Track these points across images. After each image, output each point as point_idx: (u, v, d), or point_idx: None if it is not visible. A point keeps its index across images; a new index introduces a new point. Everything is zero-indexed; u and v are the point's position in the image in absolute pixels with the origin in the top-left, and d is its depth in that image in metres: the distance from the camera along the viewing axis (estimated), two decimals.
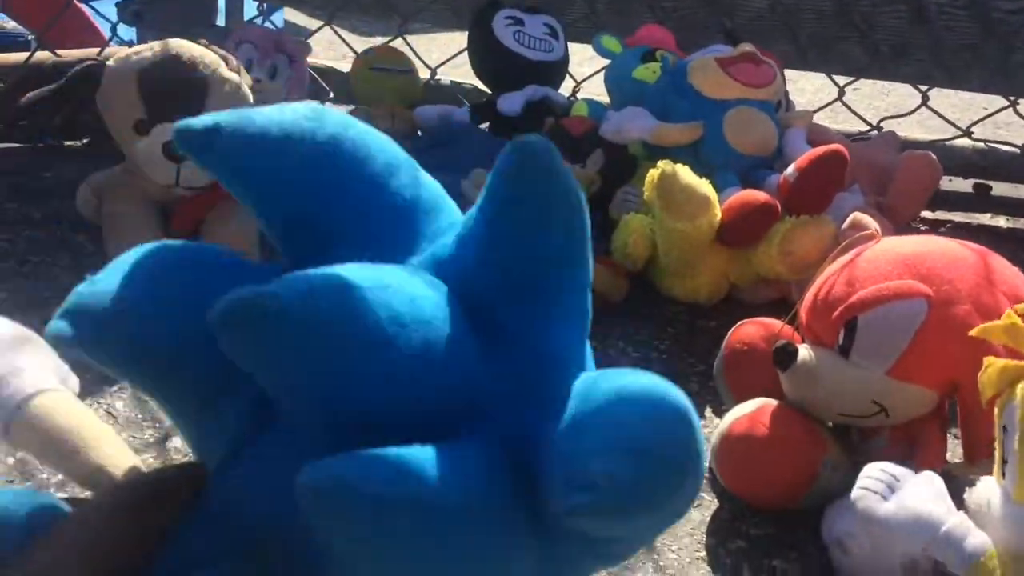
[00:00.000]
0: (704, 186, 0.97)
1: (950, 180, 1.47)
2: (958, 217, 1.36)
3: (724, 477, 0.75)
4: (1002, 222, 1.36)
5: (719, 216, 0.98)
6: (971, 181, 1.46)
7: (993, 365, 0.50)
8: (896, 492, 0.53)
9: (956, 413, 0.72)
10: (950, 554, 0.50)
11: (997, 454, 0.52)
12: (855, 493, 0.54)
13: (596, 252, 1.06)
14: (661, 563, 0.70)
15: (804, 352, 0.73)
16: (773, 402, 0.75)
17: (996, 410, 0.52)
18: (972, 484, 0.56)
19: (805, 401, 0.74)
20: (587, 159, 1.10)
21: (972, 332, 0.53)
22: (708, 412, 0.88)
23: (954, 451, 0.76)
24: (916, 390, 0.70)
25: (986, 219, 1.37)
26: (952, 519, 0.51)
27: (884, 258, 0.72)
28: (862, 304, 0.70)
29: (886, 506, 0.52)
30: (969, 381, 0.69)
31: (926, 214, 1.34)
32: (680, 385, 0.89)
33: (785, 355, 0.73)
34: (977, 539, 0.50)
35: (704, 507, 0.76)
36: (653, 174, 0.96)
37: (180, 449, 0.76)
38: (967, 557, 0.49)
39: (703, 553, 0.72)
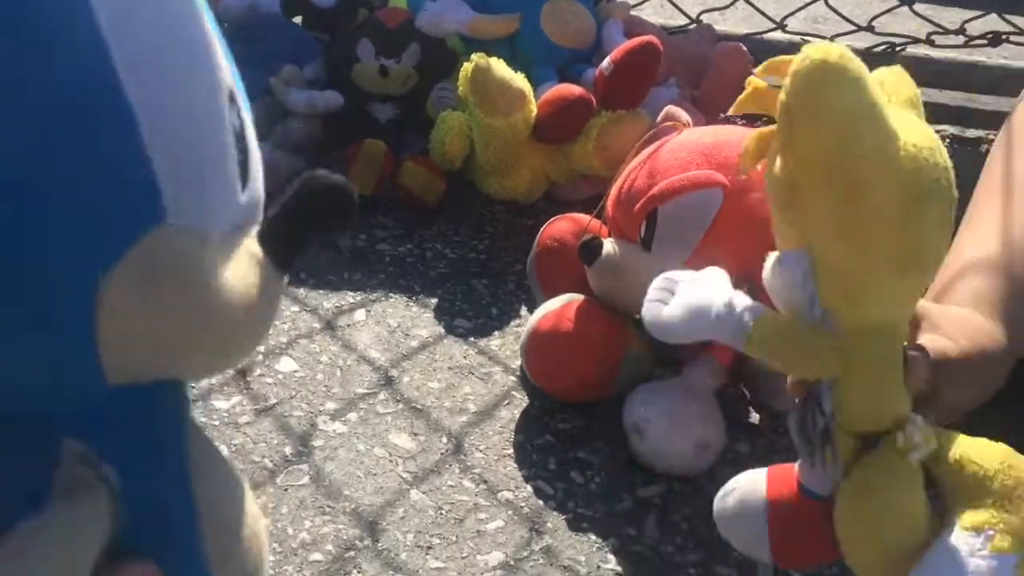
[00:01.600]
0: (519, 80, 0.94)
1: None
2: None
3: (531, 373, 0.75)
4: None
5: (535, 112, 0.96)
6: None
7: (750, 136, 0.47)
8: (675, 294, 0.51)
9: None
10: (728, 329, 0.48)
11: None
12: (643, 309, 0.51)
13: (413, 151, 1.04)
14: (468, 463, 0.70)
15: (609, 246, 0.73)
16: (580, 297, 0.75)
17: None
18: (775, 376, 0.55)
19: (610, 294, 0.74)
20: (403, 53, 1.04)
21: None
22: (524, 311, 0.87)
23: None
24: None
25: None
26: (722, 298, 0.49)
27: (684, 149, 0.72)
28: (661, 195, 0.70)
29: (666, 310, 0.50)
30: (760, 267, 0.71)
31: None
32: (498, 284, 0.88)
33: (590, 250, 0.73)
34: (750, 309, 0.48)
35: (514, 405, 0.76)
36: (467, 68, 0.93)
37: None
38: (741, 325, 0.47)
39: (511, 451, 0.72)
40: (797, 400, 0.50)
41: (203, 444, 0.41)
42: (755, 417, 0.79)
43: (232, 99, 0.35)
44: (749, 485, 0.54)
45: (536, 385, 0.76)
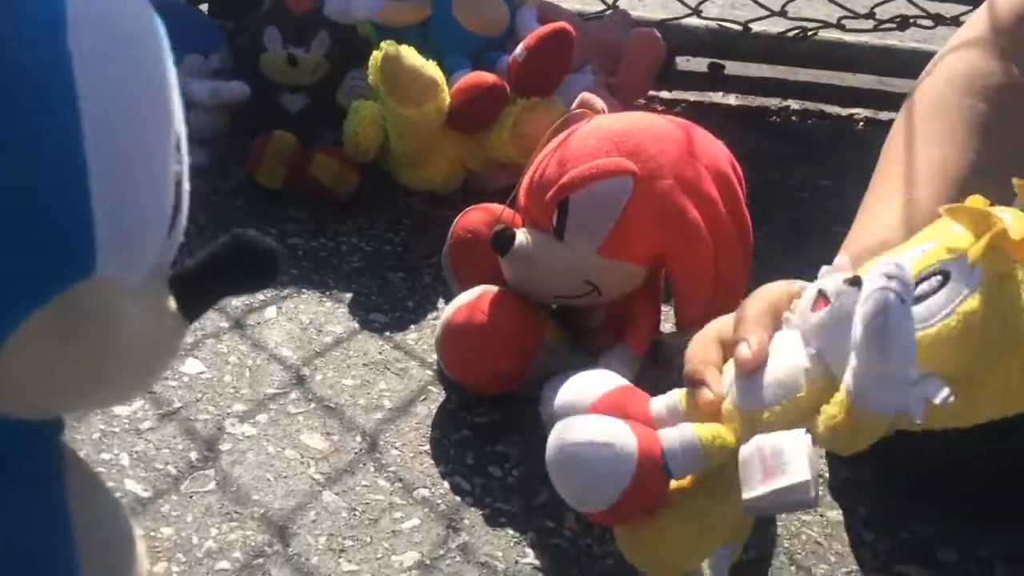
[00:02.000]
0: (430, 68, 0.93)
1: (687, 60, 1.51)
2: (693, 96, 1.40)
3: (446, 367, 0.74)
4: (732, 100, 1.42)
5: (448, 100, 0.94)
6: (707, 60, 1.50)
7: (1000, 227, 0.43)
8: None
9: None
10: (937, 391, 0.44)
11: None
12: (881, 295, 0.43)
13: (325, 143, 1.01)
14: (383, 462, 0.68)
15: (521, 236, 0.72)
16: (494, 289, 0.74)
17: (951, 248, 0.46)
18: (684, 350, 0.56)
19: (524, 285, 0.73)
20: (312, 42, 1.01)
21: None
22: (441, 303, 0.86)
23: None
24: (625, 267, 0.70)
25: (718, 97, 1.42)
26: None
27: (593, 136, 0.71)
28: (572, 184, 0.69)
29: (912, 325, 0.44)
30: (674, 255, 0.71)
31: (663, 94, 1.37)
32: (415, 277, 0.87)
33: (502, 240, 0.72)
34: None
35: (431, 400, 0.75)
36: (376, 57, 0.90)
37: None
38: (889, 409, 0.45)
39: (427, 447, 0.70)
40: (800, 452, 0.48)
41: (86, 481, 0.39)
42: None
43: (178, 145, 0.35)
44: (624, 446, 0.52)
45: (453, 379, 0.75)
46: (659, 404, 0.56)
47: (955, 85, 0.63)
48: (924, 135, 0.64)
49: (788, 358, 0.50)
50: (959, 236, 0.46)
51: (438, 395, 0.76)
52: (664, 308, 0.78)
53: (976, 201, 0.45)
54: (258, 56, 1.01)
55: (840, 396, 0.46)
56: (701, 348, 0.56)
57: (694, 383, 0.54)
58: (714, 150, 0.73)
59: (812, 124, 1.40)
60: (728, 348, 0.54)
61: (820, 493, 0.66)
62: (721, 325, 0.56)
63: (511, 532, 0.64)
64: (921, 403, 0.43)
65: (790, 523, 0.68)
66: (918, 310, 0.44)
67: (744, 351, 0.51)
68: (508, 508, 0.66)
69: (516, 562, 0.62)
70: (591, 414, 0.55)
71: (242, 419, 0.70)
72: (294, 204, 0.97)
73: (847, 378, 0.45)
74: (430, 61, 0.93)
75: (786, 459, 0.46)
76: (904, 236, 0.59)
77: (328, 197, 0.96)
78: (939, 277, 0.45)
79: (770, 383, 0.50)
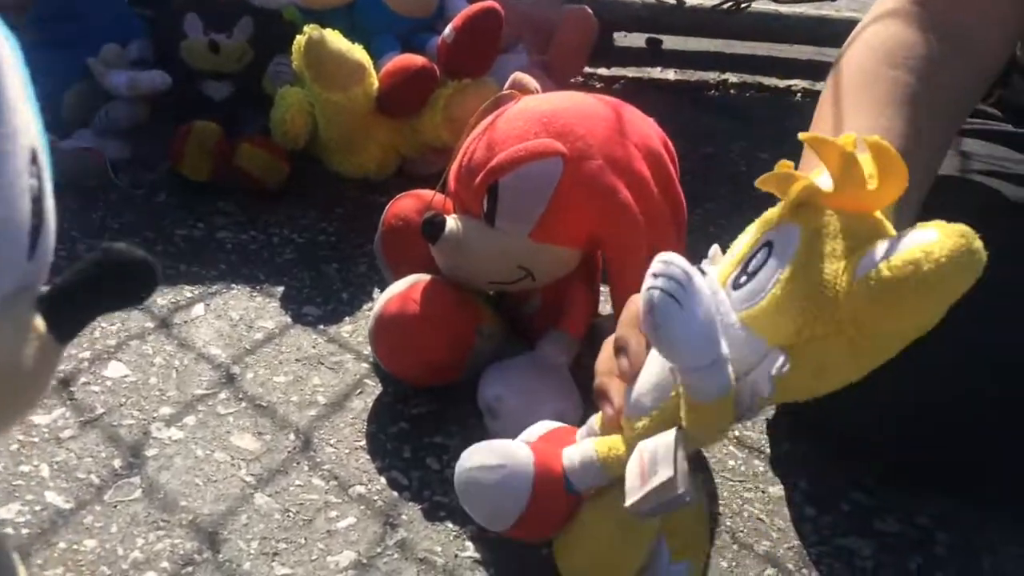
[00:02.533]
0: (356, 52, 0.90)
1: (625, 36, 1.50)
2: (631, 72, 1.39)
3: (380, 359, 0.72)
4: (671, 75, 1.41)
5: (376, 84, 0.92)
6: (645, 36, 1.49)
7: (796, 180, 0.44)
8: (689, 298, 0.44)
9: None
10: (715, 380, 0.45)
11: (738, 257, 0.47)
12: (651, 293, 0.44)
13: (254, 131, 0.98)
14: (317, 460, 0.67)
15: (452, 223, 0.70)
16: (426, 277, 0.72)
17: (763, 222, 0.47)
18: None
19: (457, 272, 0.72)
20: (234, 27, 0.98)
21: (801, 136, 0.43)
22: (376, 294, 0.84)
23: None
24: (558, 250, 0.69)
25: (657, 73, 1.41)
26: (724, 346, 0.44)
27: (521, 118, 0.70)
28: (500, 168, 0.68)
29: (688, 318, 0.43)
30: (607, 236, 0.70)
31: (601, 71, 1.36)
32: (349, 268, 0.85)
33: (432, 227, 0.70)
34: (730, 368, 0.45)
35: (367, 393, 0.73)
36: (299, 41, 0.88)
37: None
38: (725, 387, 0.45)
39: (363, 442, 0.69)
40: (665, 451, 0.48)
41: None
42: None
43: (34, 159, 0.32)
44: (520, 464, 0.53)
45: (386, 371, 0.73)
46: (582, 431, 0.56)
47: (878, 56, 0.62)
48: (849, 106, 0.63)
49: (658, 359, 0.50)
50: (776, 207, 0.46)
51: (374, 388, 0.74)
52: (604, 289, 0.77)
53: (782, 165, 0.45)
54: (178, 44, 0.97)
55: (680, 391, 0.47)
56: (606, 358, 0.55)
57: (598, 396, 0.54)
58: (645, 128, 0.72)
59: (750, 97, 1.40)
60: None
61: (717, 482, 0.68)
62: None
63: (451, 526, 0.63)
64: (767, 378, 0.43)
65: (732, 501, 0.67)
66: (751, 286, 0.45)
67: (623, 362, 0.52)
68: (447, 501, 0.65)
69: (456, 556, 0.61)
70: (490, 441, 0.56)
71: (169, 423, 0.68)
72: (222, 196, 0.94)
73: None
74: (356, 44, 0.91)
75: (657, 459, 0.47)
76: None
77: (257, 188, 0.93)
78: (765, 249, 0.45)
79: (648, 389, 0.50)
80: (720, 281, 0.47)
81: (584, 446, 0.53)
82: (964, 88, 0.62)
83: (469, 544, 0.62)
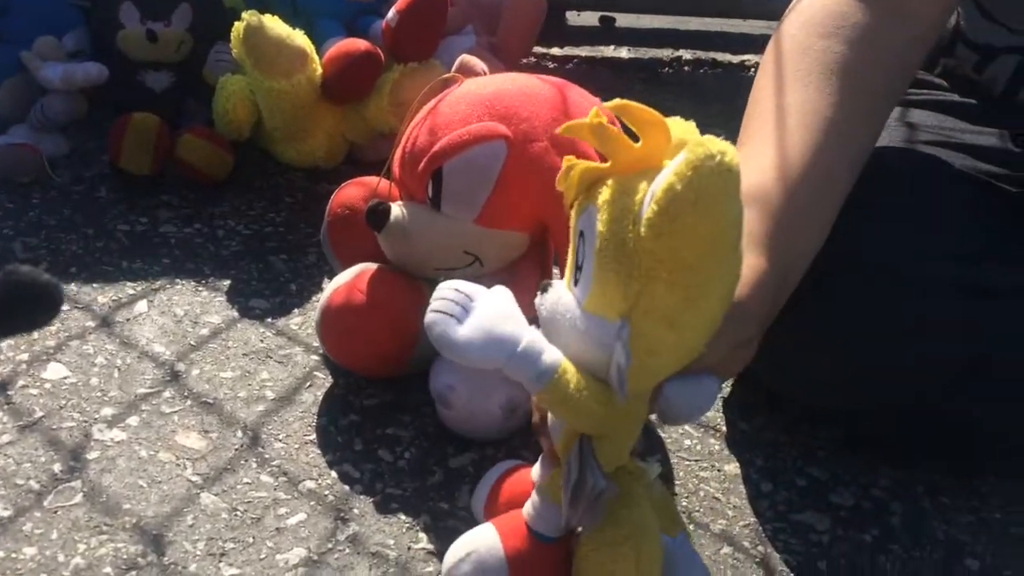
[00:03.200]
0: (298, 38, 0.88)
1: (578, 15, 1.49)
2: (584, 52, 1.38)
3: (329, 352, 0.71)
4: (624, 53, 1.40)
5: (320, 70, 0.90)
6: (598, 14, 1.48)
7: (575, 167, 0.46)
8: (470, 313, 0.48)
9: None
10: (525, 372, 0.46)
11: (570, 259, 0.48)
12: (428, 318, 0.48)
13: (198, 122, 0.96)
14: (266, 456, 0.65)
15: (397, 210, 0.69)
16: (373, 266, 0.71)
17: (573, 214, 0.48)
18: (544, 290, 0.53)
19: (404, 260, 0.70)
20: (171, 15, 0.96)
21: (559, 129, 0.48)
22: (326, 284, 0.82)
23: None
24: (505, 235, 0.68)
25: (610, 51, 1.40)
26: (526, 336, 0.47)
27: (464, 102, 0.68)
28: (444, 153, 0.66)
29: (461, 330, 0.46)
30: (554, 218, 0.69)
31: (554, 51, 1.35)
32: (298, 259, 0.83)
33: (377, 216, 0.68)
34: (551, 355, 0.47)
35: (317, 386, 0.72)
36: (238, 28, 0.86)
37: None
38: (541, 374, 0.46)
39: (313, 436, 0.68)
40: (573, 455, 0.48)
41: None
42: None
43: None
44: (485, 545, 0.53)
45: (336, 362, 0.72)
46: (535, 468, 0.55)
47: (810, 27, 0.62)
48: (783, 78, 0.63)
49: None
50: None
51: (324, 381, 0.73)
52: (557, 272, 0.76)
53: (567, 160, 0.47)
54: (115, 34, 0.95)
55: None
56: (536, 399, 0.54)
57: (535, 430, 0.53)
58: (590, 108, 0.71)
59: (704, 73, 1.39)
60: None
61: (660, 460, 0.67)
62: None
63: (403, 517, 0.62)
64: (620, 348, 0.44)
65: (688, 481, 0.67)
66: (582, 277, 0.46)
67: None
68: (400, 492, 0.64)
69: (409, 548, 0.60)
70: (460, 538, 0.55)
71: (111, 424, 0.66)
72: (166, 190, 0.92)
73: None
74: (298, 30, 0.89)
75: (570, 469, 0.48)
76: (778, 183, 0.58)
77: (201, 180, 0.91)
78: (581, 239, 0.47)
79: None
80: (567, 285, 0.49)
81: (535, 492, 0.53)
82: (901, 55, 0.62)
83: (423, 536, 0.61)
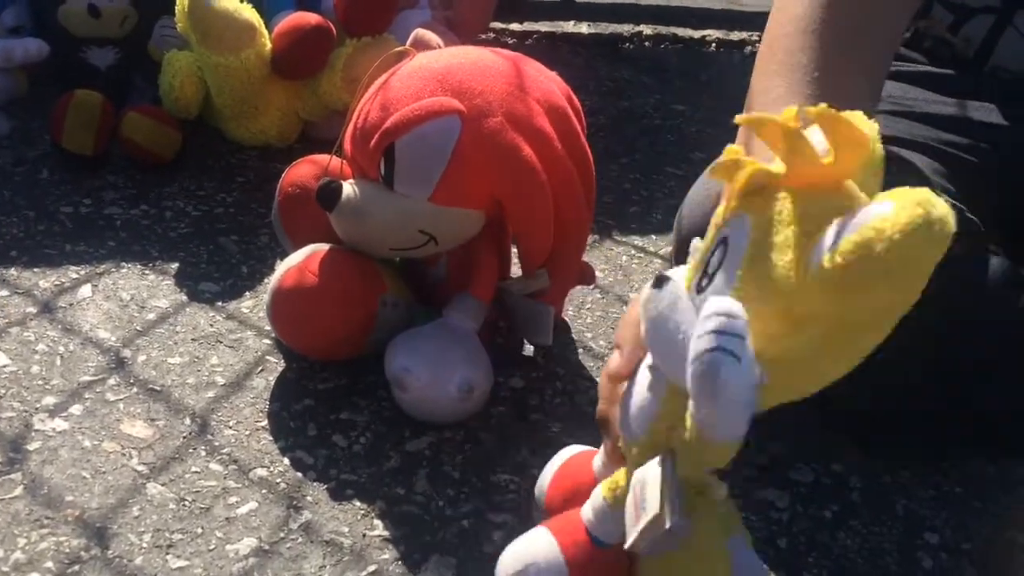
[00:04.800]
0: (246, 11, 0.85)
1: None
2: (544, 27, 1.36)
3: (281, 336, 0.69)
4: (584, 28, 1.38)
5: (269, 46, 0.88)
6: None
7: (743, 165, 0.39)
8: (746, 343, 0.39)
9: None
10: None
11: (699, 260, 0.42)
12: (709, 357, 0.37)
13: (140, 100, 0.93)
14: (215, 444, 0.63)
15: (348, 188, 0.67)
16: (325, 247, 0.69)
17: (719, 212, 0.41)
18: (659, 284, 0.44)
19: (357, 240, 0.68)
20: None
21: (738, 119, 0.38)
22: (278, 265, 0.80)
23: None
24: (460, 212, 0.66)
25: (570, 27, 1.38)
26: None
27: (416, 76, 0.66)
28: (395, 129, 0.64)
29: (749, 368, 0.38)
30: (510, 196, 0.67)
31: (513, 26, 1.33)
32: (249, 240, 0.81)
33: (328, 194, 0.66)
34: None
35: (269, 371, 0.70)
36: (182, 2, 0.83)
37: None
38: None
39: (265, 422, 0.66)
40: (650, 480, 0.44)
41: None
42: (529, 349, 0.76)
43: None
44: (543, 556, 0.49)
45: (288, 346, 0.70)
46: (597, 460, 0.53)
47: (794, 28, 0.60)
48: (771, 81, 0.61)
49: (642, 378, 0.46)
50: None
51: (276, 365, 0.71)
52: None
53: (730, 151, 0.39)
54: (56, 9, 0.91)
55: (688, 424, 0.41)
56: (604, 383, 0.51)
57: (599, 426, 0.51)
58: (546, 83, 0.69)
59: (665, 49, 1.38)
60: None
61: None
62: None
63: (358, 504, 0.60)
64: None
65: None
66: (711, 291, 0.40)
67: (613, 360, 0.47)
68: (355, 479, 0.62)
69: (364, 536, 0.58)
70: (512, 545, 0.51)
71: (53, 413, 0.64)
72: (111, 170, 0.89)
73: (692, 408, 0.40)
74: (246, 3, 0.86)
75: (647, 494, 0.43)
76: None
77: (148, 159, 0.88)
78: (721, 247, 0.40)
79: (635, 412, 0.46)
80: (686, 286, 0.42)
81: (594, 495, 0.49)
82: (896, 24, 0.61)
83: (378, 523, 0.59)
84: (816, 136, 0.37)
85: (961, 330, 0.61)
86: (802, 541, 0.61)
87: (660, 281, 0.41)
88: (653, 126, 1.14)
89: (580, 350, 0.77)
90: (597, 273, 0.82)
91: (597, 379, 0.75)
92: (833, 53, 0.58)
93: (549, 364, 0.75)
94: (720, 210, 0.41)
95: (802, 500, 0.64)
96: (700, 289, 0.41)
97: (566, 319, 0.80)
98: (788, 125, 0.36)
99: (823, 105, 0.35)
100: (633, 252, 0.92)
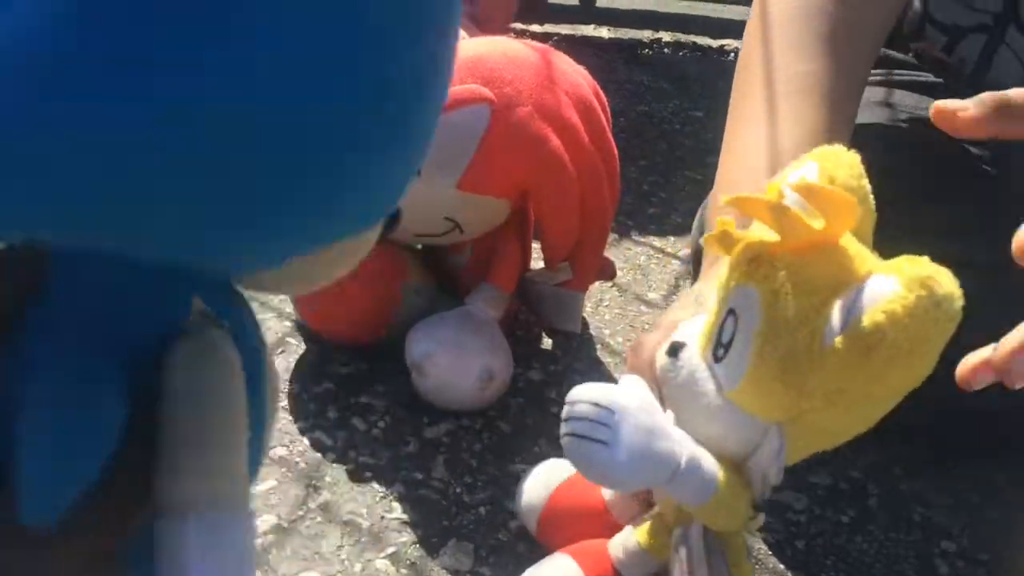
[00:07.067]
0: None
1: None
2: (565, 30, 1.36)
3: (305, 318, 0.69)
4: (604, 33, 1.39)
5: None
6: None
7: (736, 240, 0.39)
8: (616, 431, 0.40)
9: None
10: (690, 489, 0.41)
11: (711, 328, 0.42)
12: (567, 442, 0.41)
13: None
14: None
15: None
16: None
17: (721, 286, 0.41)
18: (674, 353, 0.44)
19: None
20: None
21: (724, 200, 0.38)
22: None
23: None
24: (487, 201, 0.67)
25: (590, 31, 1.39)
26: (683, 451, 0.41)
27: None
28: None
29: (615, 456, 0.40)
30: (536, 186, 0.67)
31: (534, 28, 1.33)
32: None
33: None
34: (707, 463, 0.41)
35: (289, 352, 0.70)
36: None
37: None
38: (706, 487, 0.41)
39: (285, 403, 0.66)
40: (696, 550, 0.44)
41: None
42: (548, 343, 0.76)
43: None
44: None
45: (311, 330, 0.70)
46: (609, 496, 0.52)
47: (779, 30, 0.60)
48: (779, 46, 0.61)
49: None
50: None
51: (297, 347, 0.71)
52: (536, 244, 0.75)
53: (721, 223, 0.40)
54: None
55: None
56: None
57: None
58: (575, 76, 0.70)
59: (684, 56, 1.39)
60: None
61: None
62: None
63: (376, 487, 0.60)
64: (774, 465, 0.39)
65: None
66: (729, 361, 0.40)
67: None
68: (373, 462, 0.62)
69: (382, 518, 0.58)
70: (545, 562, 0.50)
71: None
72: None
73: None
74: None
75: (694, 559, 0.42)
76: (769, 165, 0.57)
77: None
78: (731, 318, 0.40)
79: None
80: (700, 355, 0.42)
81: (626, 538, 0.48)
82: (886, 17, 0.61)
83: (396, 505, 0.59)
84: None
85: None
86: (819, 544, 0.61)
87: (675, 349, 0.42)
88: (672, 130, 1.15)
89: (598, 346, 0.77)
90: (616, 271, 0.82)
91: (614, 375, 0.75)
92: (816, 53, 0.59)
93: (567, 358, 0.75)
94: (723, 279, 0.41)
95: (820, 503, 0.64)
96: (717, 359, 0.41)
97: (584, 316, 0.80)
98: (774, 202, 0.37)
99: (803, 180, 0.36)
100: (651, 252, 0.92)
